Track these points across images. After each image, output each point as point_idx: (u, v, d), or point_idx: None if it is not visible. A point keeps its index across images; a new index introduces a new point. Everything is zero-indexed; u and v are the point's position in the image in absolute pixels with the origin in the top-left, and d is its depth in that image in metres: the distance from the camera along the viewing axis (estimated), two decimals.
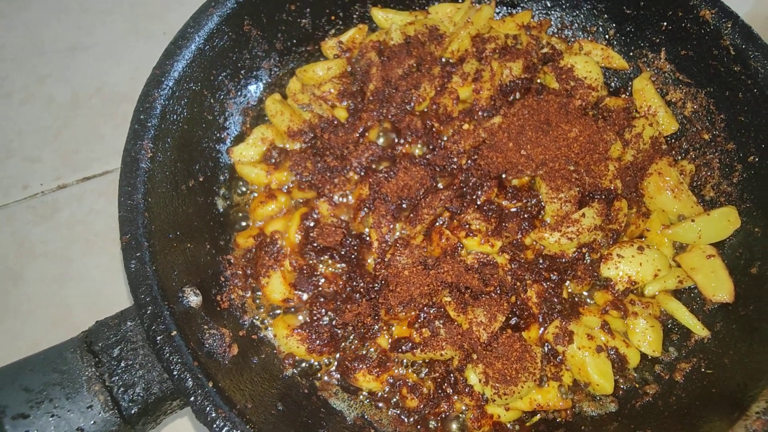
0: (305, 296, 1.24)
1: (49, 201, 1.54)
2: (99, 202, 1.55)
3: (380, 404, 1.17)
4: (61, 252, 1.49)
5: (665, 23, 1.37)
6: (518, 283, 1.23)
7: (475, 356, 1.14)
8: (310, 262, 1.28)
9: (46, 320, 1.42)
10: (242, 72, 1.40)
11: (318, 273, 1.27)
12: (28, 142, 1.64)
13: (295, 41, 1.49)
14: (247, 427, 0.88)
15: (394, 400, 1.16)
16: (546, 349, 1.19)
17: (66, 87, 1.73)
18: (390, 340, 1.20)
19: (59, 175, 1.59)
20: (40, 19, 1.83)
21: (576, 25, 1.56)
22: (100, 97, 1.72)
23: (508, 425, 1.15)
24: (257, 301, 1.24)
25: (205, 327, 1.05)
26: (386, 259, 1.24)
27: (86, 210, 1.54)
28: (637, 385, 1.17)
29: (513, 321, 1.20)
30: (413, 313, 1.20)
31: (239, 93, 1.41)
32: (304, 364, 1.19)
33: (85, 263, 1.49)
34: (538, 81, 1.50)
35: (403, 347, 1.16)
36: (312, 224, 1.31)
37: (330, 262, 1.28)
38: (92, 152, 1.63)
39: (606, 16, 1.50)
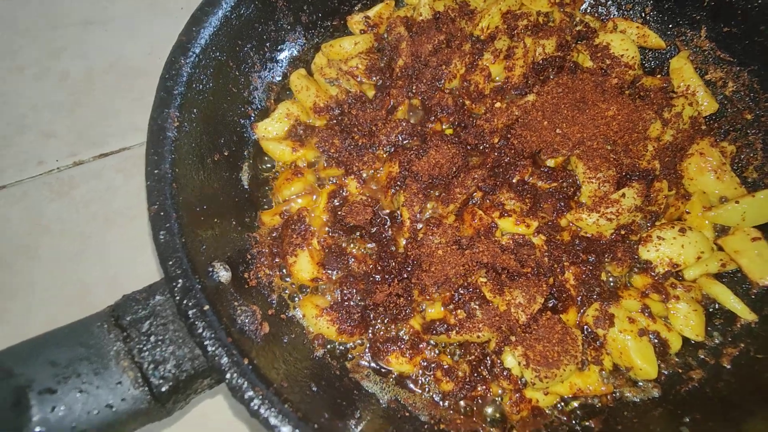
0: (334, 276, 1.19)
1: (65, 177, 1.50)
2: (116, 179, 1.50)
3: (414, 387, 1.12)
4: (77, 229, 1.45)
5: None
6: (556, 265, 1.19)
7: (513, 338, 1.09)
8: (339, 241, 1.23)
9: (63, 297, 1.37)
10: (267, 45, 1.35)
11: (347, 252, 1.22)
12: (43, 118, 1.59)
13: (320, 15, 1.44)
14: (285, 406, 0.83)
15: (429, 383, 1.12)
16: (585, 332, 1.14)
17: (81, 62, 1.68)
18: (423, 322, 1.15)
19: (75, 151, 1.54)
20: None
21: (611, 1, 1.51)
22: (115, 73, 1.67)
23: (547, 410, 1.10)
24: (286, 280, 1.19)
25: (236, 303, 1.00)
26: (419, 239, 1.20)
27: (103, 187, 1.50)
28: (680, 370, 1.13)
29: (551, 303, 1.16)
30: (447, 293, 1.15)
31: (264, 67, 1.36)
32: (332, 345, 1.15)
33: (102, 240, 1.44)
34: (571, 60, 1.45)
35: (438, 329, 1.12)
36: (340, 203, 1.26)
37: (360, 241, 1.23)
38: (108, 128, 1.58)
39: None
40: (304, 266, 1.18)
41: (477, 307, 1.13)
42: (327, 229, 1.24)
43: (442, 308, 1.16)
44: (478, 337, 1.10)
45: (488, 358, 1.12)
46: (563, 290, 1.18)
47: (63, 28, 1.71)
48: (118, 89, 1.65)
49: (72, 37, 1.71)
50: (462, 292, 1.15)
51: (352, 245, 1.23)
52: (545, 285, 1.14)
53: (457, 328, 1.11)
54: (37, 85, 1.64)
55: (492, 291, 1.13)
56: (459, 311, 1.14)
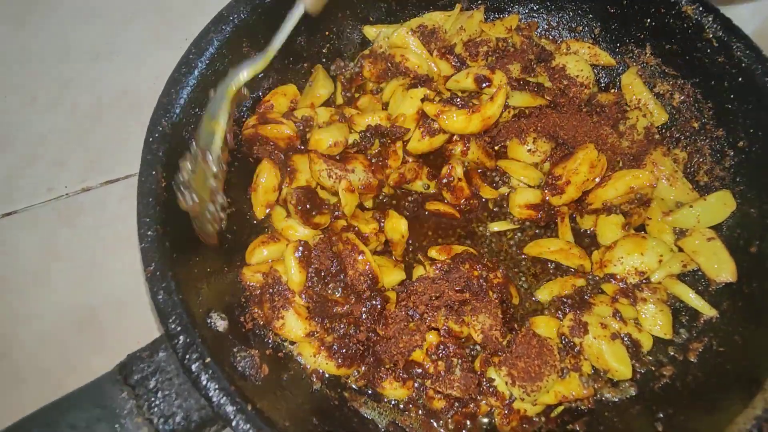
0: (326, 322, 1.19)
1: (74, 204, 1.58)
2: (123, 206, 1.57)
3: (408, 409, 1.19)
4: (85, 254, 1.52)
5: (648, 20, 1.43)
6: (489, 275, 1.22)
7: (496, 360, 1.16)
8: (317, 290, 1.22)
9: (71, 321, 1.43)
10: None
11: (330, 298, 1.22)
12: (53, 146, 1.67)
13: (291, 59, 1.51)
14: None
15: (422, 403, 1.19)
16: (563, 342, 1.22)
17: (89, 93, 1.76)
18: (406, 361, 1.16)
19: (83, 178, 1.62)
20: (62, 28, 1.87)
21: (562, 25, 1.61)
22: (122, 104, 1.75)
23: (534, 418, 1.18)
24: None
25: (235, 350, 1.06)
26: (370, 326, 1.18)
27: (111, 213, 1.57)
28: (653, 368, 1.21)
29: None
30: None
31: (242, 115, 1.42)
32: (329, 377, 1.21)
33: (110, 265, 1.51)
34: (534, 83, 1.53)
35: (415, 372, 1.16)
36: (305, 254, 1.22)
37: (332, 286, 1.23)
38: (115, 157, 1.66)
39: (591, 15, 1.55)
40: (293, 325, 1.17)
41: (458, 365, 1.14)
42: (304, 282, 1.21)
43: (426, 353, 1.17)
44: (450, 393, 1.13)
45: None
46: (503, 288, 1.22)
47: (72, 61, 1.80)
48: (124, 120, 1.72)
49: (80, 69, 1.80)
50: (441, 347, 1.17)
51: (331, 291, 1.23)
52: (492, 294, 1.19)
53: (433, 379, 1.15)
54: (48, 115, 1.72)
55: (457, 323, 1.17)
56: (440, 363, 1.16)
